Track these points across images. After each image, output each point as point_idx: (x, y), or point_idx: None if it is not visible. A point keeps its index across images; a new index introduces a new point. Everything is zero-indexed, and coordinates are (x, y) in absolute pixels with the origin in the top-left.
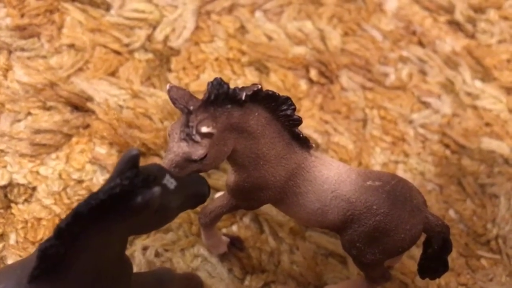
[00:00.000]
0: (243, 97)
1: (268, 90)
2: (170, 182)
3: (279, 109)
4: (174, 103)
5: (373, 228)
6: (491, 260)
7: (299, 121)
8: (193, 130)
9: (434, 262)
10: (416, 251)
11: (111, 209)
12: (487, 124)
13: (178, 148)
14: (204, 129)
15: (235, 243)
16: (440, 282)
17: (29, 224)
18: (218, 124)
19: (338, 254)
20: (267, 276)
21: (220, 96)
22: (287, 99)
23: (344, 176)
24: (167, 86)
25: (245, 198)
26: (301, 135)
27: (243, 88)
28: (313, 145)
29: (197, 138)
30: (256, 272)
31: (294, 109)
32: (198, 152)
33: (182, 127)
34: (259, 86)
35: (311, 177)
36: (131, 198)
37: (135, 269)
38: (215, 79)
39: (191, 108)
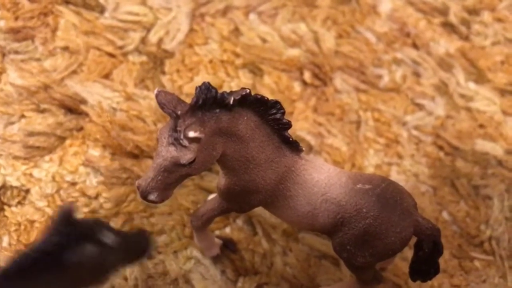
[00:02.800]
0: (231, 102)
1: (256, 94)
2: (107, 237)
3: (268, 113)
4: (162, 108)
5: (363, 231)
6: (484, 262)
7: (288, 125)
8: (181, 135)
9: (425, 265)
10: (410, 253)
11: (43, 266)
12: (481, 126)
13: (167, 153)
14: (192, 134)
15: (228, 245)
16: (433, 284)
17: (22, 227)
18: (206, 129)
19: (331, 256)
20: (260, 278)
21: (208, 100)
22: (276, 103)
23: (335, 179)
24: (155, 91)
25: (236, 201)
26: (290, 139)
27: (231, 93)
28: (303, 149)
29: (185, 142)
30: (249, 274)
31: (283, 113)
32: (186, 156)
33: (170, 131)
34: (248, 90)
35: (301, 180)
36: (65, 254)
37: (128, 272)
38: (203, 83)
39: (179, 112)
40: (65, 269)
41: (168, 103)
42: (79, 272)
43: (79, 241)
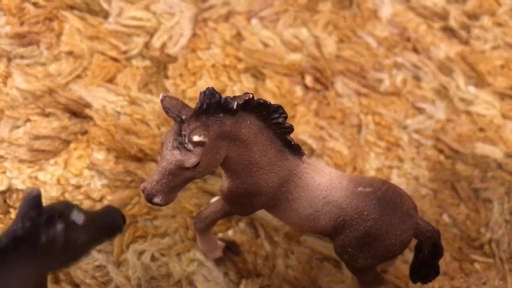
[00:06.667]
0: (235, 106)
1: (259, 99)
2: (78, 217)
3: (270, 117)
4: (167, 112)
5: (364, 233)
6: (485, 264)
7: (290, 128)
8: (186, 139)
9: (425, 267)
10: (411, 256)
11: (17, 250)
12: (481, 129)
13: (171, 156)
14: (196, 138)
15: (231, 247)
16: (434, 286)
17: None
18: (210, 133)
19: (333, 258)
20: (262, 280)
21: (212, 105)
22: (279, 107)
23: (336, 182)
24: (161, 96)
25: (239, 204)
26: (292, 143)
27: (235, 97)
28: (305, 152)
29: (190, 146)
30: (252, 276)
31: (286, 117)
32: (190, 160)
33: (175, 135)
34: (251, 95)
35: (303, 184)
36: (36, 238)
37: (130, 273)
38: (207, 88)
39: (184, 117)
40: (39, 250)
41: (173, 108)
42: (52, 250)
43: (49, 222)
